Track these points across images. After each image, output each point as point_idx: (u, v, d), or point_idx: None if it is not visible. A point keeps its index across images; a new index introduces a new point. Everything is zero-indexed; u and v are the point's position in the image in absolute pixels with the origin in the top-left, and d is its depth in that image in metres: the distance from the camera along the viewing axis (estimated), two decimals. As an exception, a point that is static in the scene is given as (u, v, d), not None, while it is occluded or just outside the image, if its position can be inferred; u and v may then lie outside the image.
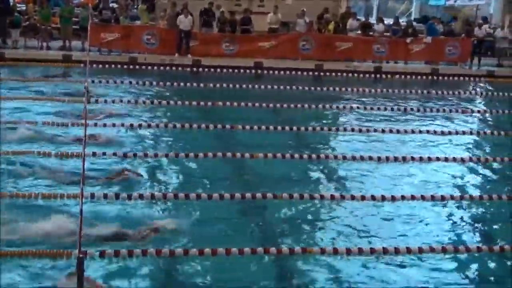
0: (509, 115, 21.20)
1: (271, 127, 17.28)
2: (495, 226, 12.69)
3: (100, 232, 10.93)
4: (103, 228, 11.09)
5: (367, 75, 26.02)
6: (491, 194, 13.91)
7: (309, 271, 10.36)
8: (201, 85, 22.03)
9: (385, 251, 10.80)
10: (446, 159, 16.00)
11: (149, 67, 25.01)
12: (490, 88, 25.81)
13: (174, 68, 25.13)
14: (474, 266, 11.01)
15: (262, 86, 22.48)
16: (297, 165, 14.65)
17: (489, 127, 20.15)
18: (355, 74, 25.74)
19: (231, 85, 22.15)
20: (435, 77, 26.73)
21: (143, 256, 9.37)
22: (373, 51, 27.71)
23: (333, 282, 10.07)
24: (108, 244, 10.26)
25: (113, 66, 24.79)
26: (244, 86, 22.32)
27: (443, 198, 13.46)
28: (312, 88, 22.85)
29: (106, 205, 11.77)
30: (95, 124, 15.93)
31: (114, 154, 14.11)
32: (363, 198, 13.00)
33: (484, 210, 13.44)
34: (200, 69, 25.33)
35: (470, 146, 18.13)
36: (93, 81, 17.67)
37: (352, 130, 18.06)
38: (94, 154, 13.33)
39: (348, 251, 10.70)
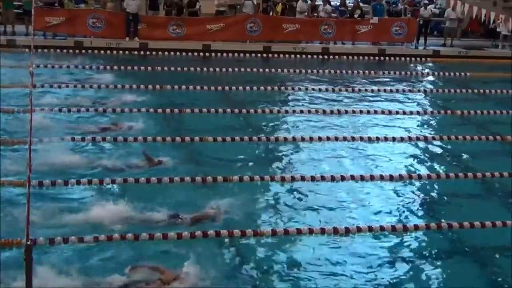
0: (454, 94, 21.54)
1: (220, 110, 17.32)
2: (442, 204, 12.85)
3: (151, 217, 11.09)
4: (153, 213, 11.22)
5: (315, 56, 26.16)
6: (438, 173, 14.20)
7: (262, 252, 10.39)
8: (149, 68, 21.92)
9: (335, 231, 10.97)
10: (393, 139, 16.23)
11: (96, 51, 24.81)
12: (436, 67, 26.16)
13: (121, 51, 24.97)
14: (423, 243, 11.16)
15: (211, 69, 22.50)
16: (247, 147, 14.66)
17: (436, 106, 20.39)
18: (303, 56, 25.89)
19: (179, 68, 22.12)
20: (381, 58, 26.97)
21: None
22: (320, 32, 27.76)
23: (283, 263, 10.10)
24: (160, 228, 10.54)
25: (58, 50, 24.51)
26: (192, 69, 22.30)
27: (391, 177, 13.68)
28: (261, 70, 22.95)
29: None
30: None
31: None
32: (313, 178, 13.14)
33: (432, 188, 13.62)
34: (148, 53, 25.15)
35: (417, 125, 18.33)
36: (38, 66, 17.42)
37: (301, 111, 18.16)
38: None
39: (299, 231, 10.83)
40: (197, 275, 9.19)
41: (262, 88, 20.23)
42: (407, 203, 12.67)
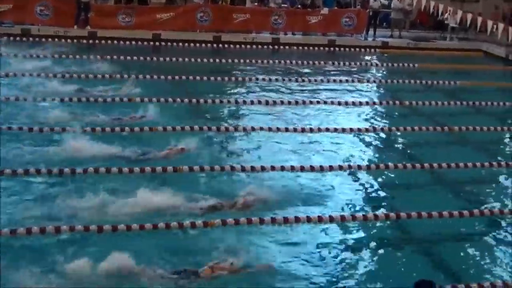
0: (403, 85, 21.76)
1: (170, 99, 17.23)
2: (391, 194, 12.95)
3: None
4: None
5: (265, 47, 26.15)
6: (387, 163, 14.32)
7: (210, 242, 10.34)
8: (98, 57, 21.65)
9: (297, 220, 11.07)
10: (343, 130, 16.34)
11: (43, 39, 24.39)
12: (385, 58, 26.37)
13: (69, 40, 24.60)
14: (371, 233, 11.24)
15: (161, 58, 22.33)
16: (197, 137, 14.57)
17: (384, 97, 20.56)
18: (253, 46, 25.86)
19: (128, 58, 21.92)
20: (332, 48, 27.07)
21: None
22: (270, 23, 27.75)
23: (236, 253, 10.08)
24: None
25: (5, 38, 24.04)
26: (142, 58, 22.11)
27: (340, 167, 13.78)
28: (211, 60, 22.87)
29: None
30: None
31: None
32: (273, 168, 13.18)
33: (380, 179, 13.72)
34: (97, 41, 24.82)
35: (366, 116, 18.45)
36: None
37: (252, 102, 18.14)
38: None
39: (261, 221, 10.88)
40: None
41: (212, 78, 20.17)
42: (355, 194, 12.75)
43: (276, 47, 26.41)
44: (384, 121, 18.04)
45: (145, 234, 10.32)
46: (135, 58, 22.02)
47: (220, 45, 26.02)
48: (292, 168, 13.41)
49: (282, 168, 13.29)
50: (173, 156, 13.41)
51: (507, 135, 17.54)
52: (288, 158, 14.12)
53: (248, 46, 25.91)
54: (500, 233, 11.77)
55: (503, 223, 12.08)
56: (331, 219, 11.29)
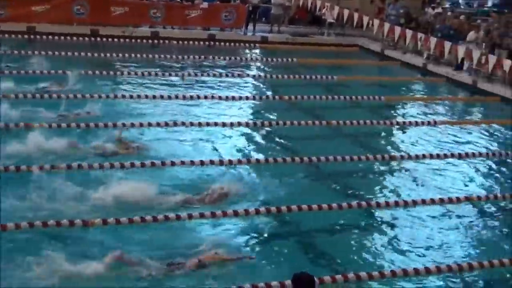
0: (282, 79, 21.96)
1: (46, 95, 16.75)
2: (271, 188, 12.95)
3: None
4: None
5: (144, 41, 25.80)
6: (267, 157, 14.41)
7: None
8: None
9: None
10: (223, 124, 16.33)
11: None
12: (264, 53, 26.54)
13: None
14: (253, 227, 11.27)
15: (36, 52, 21.64)
16: (66, 134, 14.16)
17: (265, 91, 20.71)
18: (132, 40, 25.47)
19: (2, 51, 21.15)
20: (212, 43, 27.01)
21: None
22: (149, 16, 27.40)
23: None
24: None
25: None
26: (16, 52, 21.40)
27: (221, 162, 13.77)
28: (88, 54, 22.36)
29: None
30: None
31: None
32: (143, 165, 13.00)
33: (260, 173, 13.77)
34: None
35: (246, 110, 18.53)
36: None
37: (131, 96, 17.86)
38: None
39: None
40: None
41: (90, 72, 19.71)
42: (236, 188, 12.69)
43: (155, 41, 26.10)
44: (264, 115, 18.15)
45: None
46: (8, 52, 21.28)
47: (98, 39, 25.46)
48: (202, 163, 13.54)
49: (173, 163, 13.24)
50: None
51: (382, 129, 18.01)
52: (186, 153, 14.15)
53: (127, 40, 25.49)
54: (376, 224, 12.07)
55: (379, 214, 12.37)
56: (213, 215, 11.24)
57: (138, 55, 22.89)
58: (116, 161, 13.04)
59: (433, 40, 25.42)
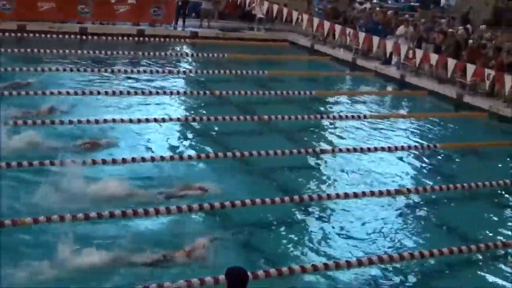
0: (213, 75, 21.93)
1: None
2: (204, 183, 12.95)
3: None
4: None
5: (72, 36, 25.40)
6: (199, 153, 14.39)
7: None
8: None
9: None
10: (155, 120, 16.22)
11: None
12: (195, 48, 26.41)
13: None
14: (186, 224, 11.23)
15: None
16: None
17: (195, 87, 20.62)
18: (60, 35, 25.04)
19: None
20: (141, 38, 26.76)
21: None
22: (77, 12, 26.97)
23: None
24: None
25: None
26: None
27: (152, 159, 13.69)
28: (15, 50, 21.91)
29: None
30: None
31: None
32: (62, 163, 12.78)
33: (192, 169, 13.75)
34: None
35: (177, 106, 18.44)
36: None
37: (59, 92, 17.57)
38: None
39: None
40: None
41: (17, 69, 19.31)
42: (168, 185, 12.65)
43: (84, 37, 25.72)
44: (196, 110, 18.11)
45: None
46: None
47: (25, 35, 24.93)
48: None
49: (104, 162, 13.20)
50: None
51: (313, 123, 18.18)
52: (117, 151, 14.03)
53: (55, 36, 25.04)
54: (309, 218, 12.18)
55: (312, 208, 12.49)
56: (135, 213, 11.18)
57: (67, 51, 22.53)
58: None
59: (361, 35, 25.76)
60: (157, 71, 21.51)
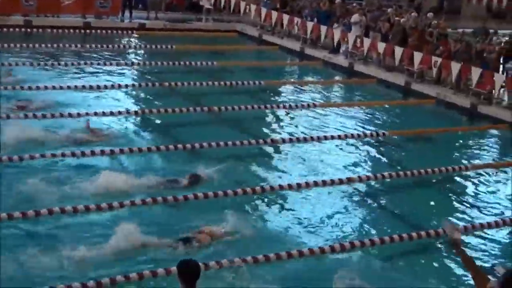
0: (162, 66, 21.77)
1: None
2: (152, 176, 12.84)
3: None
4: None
5: (17, 30, 24.95)
6: (150, 146, 14.26)
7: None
8: None
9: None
10: (103, 113, 16.02)
11: None
12: (142, 40, 26.16)
13: None
14: (132, 217, 11.16)
15: None
16: None
17: (144, 79, 20.45)
18: (4, 29, 24.57)
19: None
20: (87, 31, 26.42)
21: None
22: (21, 5, 26.48)
23: None
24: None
25: None
26: None
27: (102, 152, 13.54)
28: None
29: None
30: None
31: None
32: (21, 158, 12.63)
33: (142, 163, 13.63)
34: None
35: (126, 99, 18.26)
36: None
37: (5, 88, 17.26)
38: None
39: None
40: None
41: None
42: (116, 181, 12.47)
43: (28, 30, 25.26)
44: (145, 102, 17.98)
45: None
46: None
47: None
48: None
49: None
50: None
51: (263, 113, 18.18)
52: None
53: (-1, 29, 24.56)
54: (262, 209, 12.18)
55: (264, 200, 12.50)
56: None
57: (12, 45, 22.13)
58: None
59: (309, 24, 25.82)
60: (105, 64, 21.24)
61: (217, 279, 9.35)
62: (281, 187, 12.93)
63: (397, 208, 12.86)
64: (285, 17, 26.84)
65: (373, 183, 13.85)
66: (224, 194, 12.11)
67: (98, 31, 26.51)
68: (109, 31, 26.62)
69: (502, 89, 20.56)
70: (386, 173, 14.17)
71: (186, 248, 10.14)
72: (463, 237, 10.21)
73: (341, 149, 15.81)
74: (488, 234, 11.98)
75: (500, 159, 16.65)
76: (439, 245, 11.41)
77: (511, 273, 6.49)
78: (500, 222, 12.42)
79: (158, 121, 16.49)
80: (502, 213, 13.17)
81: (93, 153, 13.40)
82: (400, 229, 11.63)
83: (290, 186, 12.93)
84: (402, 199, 13.40)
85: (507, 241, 12.10)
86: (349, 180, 13.61)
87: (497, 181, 14.89)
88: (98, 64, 21.11)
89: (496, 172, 15.31)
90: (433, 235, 11.47)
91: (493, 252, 11.26)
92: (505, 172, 15.40)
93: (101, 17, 27.96)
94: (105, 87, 18.60)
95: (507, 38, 23.29)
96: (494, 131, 18.99)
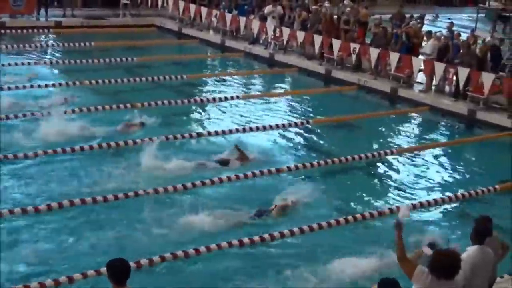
0: (80, 64, 21.39)
1: None
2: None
3: None
4: None
5: None
6: (73, 147, 14.04)
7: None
8: None
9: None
10: (24, 115, 15.68)
11: None
12: (60, 38, 25.60)
13: None
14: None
15: None
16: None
17: (62, 77, 19.98)
18: None
19: None
20: (2, 31, 25.65)
21: None
22: None
23: None
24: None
25: None
26: None
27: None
28: None
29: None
30: None
31: None
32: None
33: (74, 163, 13.47)
34: None
35: (46, 99, 17.85)
36: None
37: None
38: None
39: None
40: None
41: None
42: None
43: None
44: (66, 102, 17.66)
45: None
46: None
47: None
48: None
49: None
50: None
51: (187, 107, 18.09)
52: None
53: None
54: (186, 206, 12.12)
55: (188, 196, 12.45)
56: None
57: None
58: None
59: (228, 16, 25.81)
60: (22, 63, 20.74)
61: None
62: (203, 183, 12.87)
63: (325, 196, 12.92)
64: (204, 10, 26.76)
65: (299, 172, 13.92)
66: (144, 193, 12.02)
67: (13, 31, 25.83)
68: (25, 31, 25.97)
69: (420, 72, 21.01)
70: (315, 162, 14.29)
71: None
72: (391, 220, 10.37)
73: (265, 140, 15.87)
74: (417, 215, 12.27)
75: (422, 141, 17.05)
76: (366, 229, 11.63)
77: (438, 252, 6.75)
78: (425, 203, 12.74)
79: (82, 120, 15.97)
80: (429, 194, 13.49)
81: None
82: (327, 216, 11.80)
83: (212, 182, 12.93)
84: (329, 187, 13.48)
85: (434, 219, 12.41)
86: (278, 171, 13.69)
87: (422, 164, 15.24)
88: (16, 63, 20.58)
89: (419, 155, 15.66)
90: (359, 219, 11.73)
91: (422, 231, 11.41)
92: (430, 154, 15.78)
93: (16, 17, 27.31)
94: (23, 87, 18.16)
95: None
96: (415, 114, 19.39)
